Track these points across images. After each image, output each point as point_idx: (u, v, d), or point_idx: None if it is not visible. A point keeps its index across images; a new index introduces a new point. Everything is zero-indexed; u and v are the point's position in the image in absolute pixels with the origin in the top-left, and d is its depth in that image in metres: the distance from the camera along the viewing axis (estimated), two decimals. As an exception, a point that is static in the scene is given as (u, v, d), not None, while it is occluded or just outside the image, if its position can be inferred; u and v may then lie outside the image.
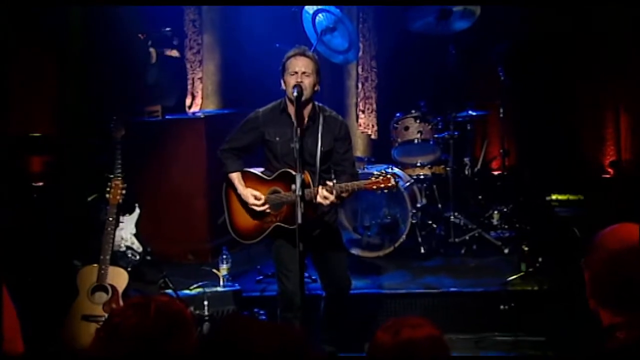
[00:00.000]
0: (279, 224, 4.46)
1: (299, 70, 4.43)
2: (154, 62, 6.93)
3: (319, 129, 4.43)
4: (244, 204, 4.55)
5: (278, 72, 4.52)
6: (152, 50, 6.94)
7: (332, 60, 6.42)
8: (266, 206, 4.45)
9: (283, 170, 4.45)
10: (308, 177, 4.34)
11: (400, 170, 6.64)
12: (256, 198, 4.46)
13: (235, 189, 4.57)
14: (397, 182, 4.29)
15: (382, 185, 4.22)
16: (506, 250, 6.36)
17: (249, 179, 4.57)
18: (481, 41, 7.24)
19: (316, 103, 4.54)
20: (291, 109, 4.46)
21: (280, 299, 4.63)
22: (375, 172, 4.26)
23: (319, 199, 4.25)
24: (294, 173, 4.21)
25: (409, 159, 6.89)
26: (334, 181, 4.27)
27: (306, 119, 4.47)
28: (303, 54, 4.48)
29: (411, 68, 7.69)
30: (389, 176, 4.21)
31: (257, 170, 4.63)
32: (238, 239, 4.69)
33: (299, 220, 4.05)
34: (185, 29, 7.47)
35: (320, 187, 4.25)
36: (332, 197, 4.23)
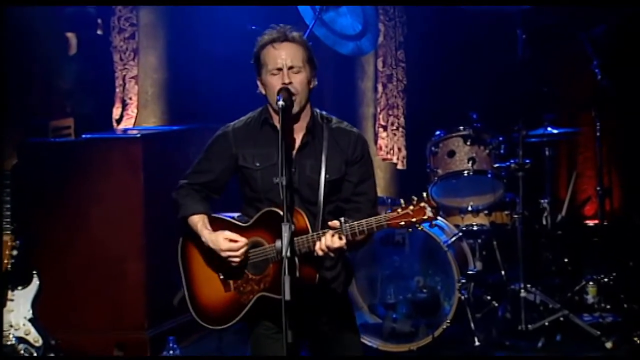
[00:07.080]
0: (263, 293, 4.44)
1: (283, 65, 4.40)
2: (73, 53, 6.94)
3: (322, 147, 4.44)
4: (214, 267, 4.50)
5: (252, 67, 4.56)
6: (70, 35, 6.95)
7: (337, 50, 6.45)
8: (243, 250, 4.42)
9: (266, 210, 4.41)
10: (303, 218, 4.32)
11: (441, 219, 6.61)
12: (231, 241, 4.44)
13: (197, 245, 4.55)
14: (436, 213, 4.16)
15: (414, 220, 4.13)
16: (608, 344, 6.33)
17: (217, 227, 4.56)
18: (566, 22, 7.29)
19: (317, 110, 4.56)
20: (277, 121, 4.47)
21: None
22: (402, 201, 4.14)
23: (320, 248, 4.22)
24: (282, 213, 4.21)
25: (456, 200, 6.89)
26: (343, 219, 4.25)
27: (302, 134, 4.50)
28: (285, 39, 4.48)
29: (458, 63, 7.76)
30: (422, 204, 4.11)
31: (229, 216, 4.62)
32: (204, 324, 4.64)
33: (287, 296, 4.04)
34: (111, 3, 7.51)
35: (324, 233, 4.24)
36: (341, 244, 4.21)
